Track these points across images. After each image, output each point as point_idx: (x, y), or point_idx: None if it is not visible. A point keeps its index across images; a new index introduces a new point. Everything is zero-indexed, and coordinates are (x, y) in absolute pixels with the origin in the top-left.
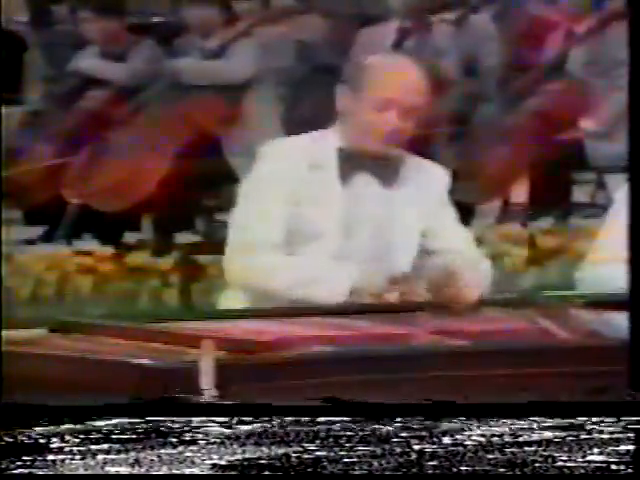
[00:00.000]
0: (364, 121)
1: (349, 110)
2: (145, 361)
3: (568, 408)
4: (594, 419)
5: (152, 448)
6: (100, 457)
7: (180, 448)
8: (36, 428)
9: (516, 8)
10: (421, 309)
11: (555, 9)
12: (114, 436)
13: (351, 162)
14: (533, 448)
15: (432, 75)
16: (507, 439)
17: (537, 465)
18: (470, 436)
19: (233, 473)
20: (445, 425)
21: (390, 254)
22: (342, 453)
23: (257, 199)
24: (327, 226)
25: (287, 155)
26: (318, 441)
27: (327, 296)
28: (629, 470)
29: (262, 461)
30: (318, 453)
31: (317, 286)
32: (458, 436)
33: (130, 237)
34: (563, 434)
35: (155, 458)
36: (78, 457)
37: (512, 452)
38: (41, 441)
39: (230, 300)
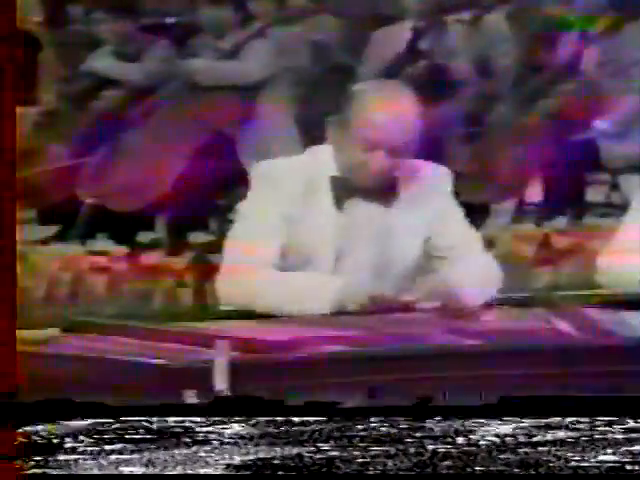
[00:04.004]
0: (353, 158)
1: (338, 144)
2: (159, 361)
3: (582, 408)
4: (608, 419)
5: (166, 448)
6: (113, 457)
7: (194, 448)
8: (50, 428)
9: (530, 8)
10: None
11: (569, 9)
12: (128, 436)
13: (345, 187)
14: (546, 448)
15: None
16: (521, 439)
17: (550, 465)
18: (484, 436)
19: (247, 473)
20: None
21: (388, 269)
22: (356, 453)
23: (254, 219)
24: (321, 247)
25: (283, 175)
26: (332, 441)
27: (313, 310)
28: None
29: (275, 461)
30: (331, 453)
31: (304, 301)
32: (472, 436)
33: (144, 237)
34: (576, 434)
35: (169, 458)
36: (91, 457)
37: (525, 452)
38: (54, 441)
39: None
